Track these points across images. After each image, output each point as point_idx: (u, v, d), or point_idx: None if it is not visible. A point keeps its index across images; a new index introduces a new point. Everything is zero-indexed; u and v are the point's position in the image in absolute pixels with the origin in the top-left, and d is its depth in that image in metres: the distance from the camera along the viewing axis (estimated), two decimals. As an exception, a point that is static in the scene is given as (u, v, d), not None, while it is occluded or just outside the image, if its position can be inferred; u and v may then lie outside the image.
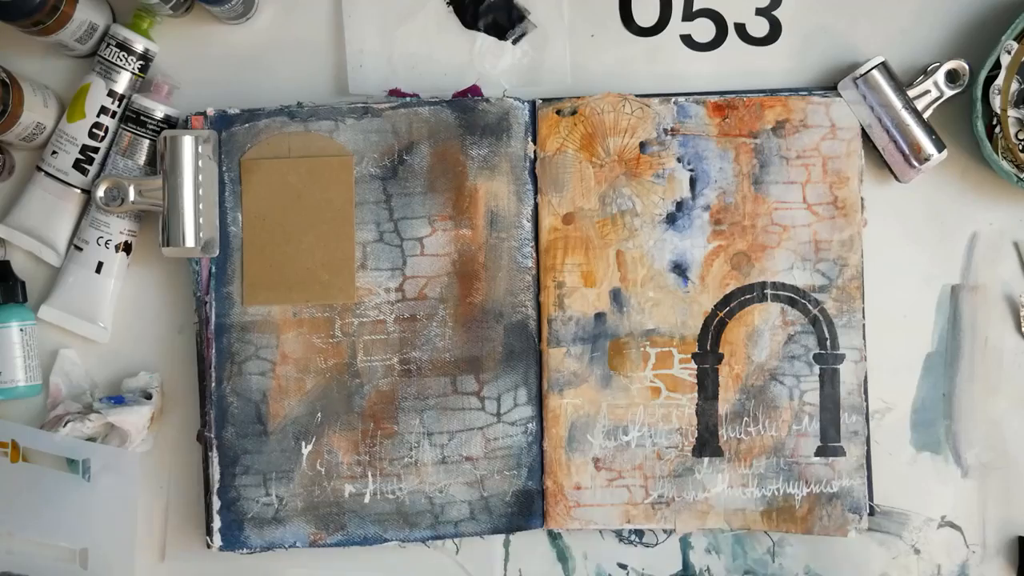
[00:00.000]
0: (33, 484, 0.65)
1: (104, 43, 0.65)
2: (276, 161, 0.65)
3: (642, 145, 0.65)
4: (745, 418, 0.65)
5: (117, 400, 0.66)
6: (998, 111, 0.63)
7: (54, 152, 0.65)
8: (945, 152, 0.64)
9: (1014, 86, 0.64)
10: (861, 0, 0.67)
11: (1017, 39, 0.63)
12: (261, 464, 0.64)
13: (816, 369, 0.64)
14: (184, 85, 0.67)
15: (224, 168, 0.65)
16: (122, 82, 0.65)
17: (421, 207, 0.65)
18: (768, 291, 0.65)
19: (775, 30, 0.68)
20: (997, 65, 0.63)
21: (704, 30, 0.68)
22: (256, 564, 0.65)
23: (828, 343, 0.64)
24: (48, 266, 0.67)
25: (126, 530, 0.65)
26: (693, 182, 0.65)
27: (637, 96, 0.65)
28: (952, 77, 0.65)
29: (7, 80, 0.61)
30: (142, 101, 0.65)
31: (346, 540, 0.64)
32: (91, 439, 0.65)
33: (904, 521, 0.66)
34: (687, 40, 0.68)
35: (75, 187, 0.66)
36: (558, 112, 0.65)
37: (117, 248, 0.66)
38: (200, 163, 0.64)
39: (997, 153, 0.64)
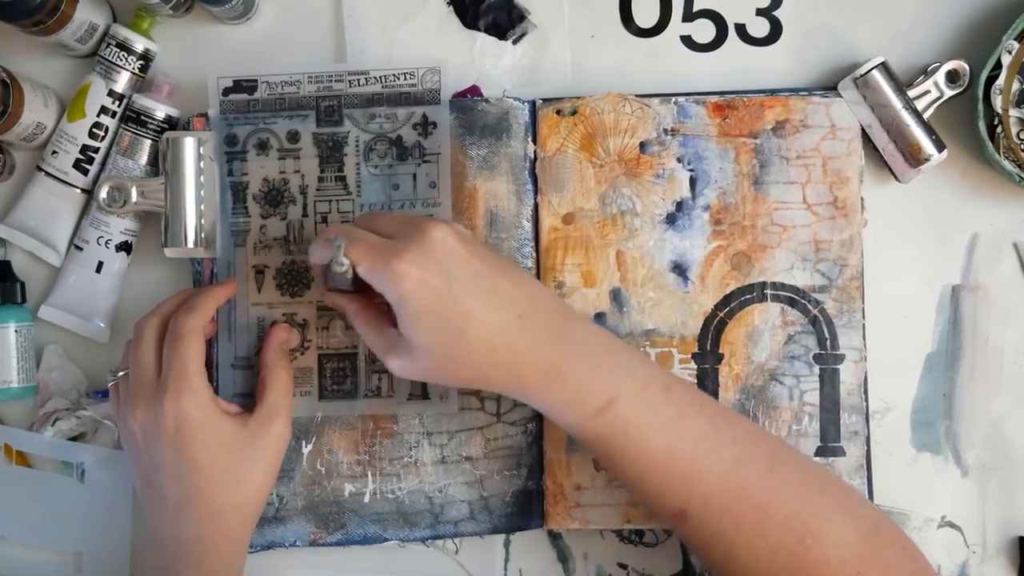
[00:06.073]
0: (26, 487, 0.65)
1: (104, 43, 0.65)
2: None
3: (642, 145, 0.65)
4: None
5: (103, 393, 0.65)
6: (1000, 111, 0.63)
7: (54, 152, 0.65)
8: (945, 152, 0.64)
9: (1015, 86, 0.64)
10: (861, 0, 0.67)
11: (1018, 39, 0.63)
12: (261, 464, 0.64)
13: (816, 369, 0.64)
14: (184, 85, 0.67)
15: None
16: (122, 82, 0.65)
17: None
18: (768, 291, 0.65)
19: (775, 30, 0.68)
20: (998, 65, 0.63)
21: (704, 31, 0.68)
22: (256, 563, 0.65)
23: (828, 343, 0.64)
24: (48, 266, 0.67)
25: (121, 532, 0.65)
26: (693, 182, 0.65)
27: (637, 96, 0.65)
28: (952, 77, 0.65)
29: (7, 80, 0.61)
30: (143, 101, 0.65)
31: (346, 539, 0.64)
32: (81, 435, 0.65)
33: (904, 521, 0.66)
34: (687, 41, 0.68)
35: (75, 187, 0.66)
36: (558, 112, 0.65)
37: (117, 248, 0.66)
38: (202, 164, 0.64)
39: (999, 153, 0.64)
